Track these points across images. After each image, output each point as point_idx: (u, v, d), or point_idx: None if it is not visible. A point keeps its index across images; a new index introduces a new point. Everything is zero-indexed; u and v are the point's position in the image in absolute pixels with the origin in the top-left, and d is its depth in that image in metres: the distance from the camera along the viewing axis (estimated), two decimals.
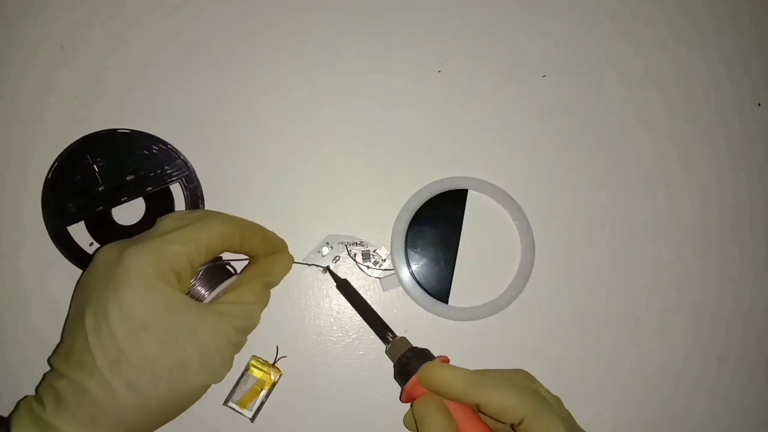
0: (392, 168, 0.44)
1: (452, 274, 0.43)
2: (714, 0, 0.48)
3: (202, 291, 0.36)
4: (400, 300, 0.44)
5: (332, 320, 0.43)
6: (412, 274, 0.43)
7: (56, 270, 0.43)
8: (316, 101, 0.45)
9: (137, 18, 0.45)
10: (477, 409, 0.34)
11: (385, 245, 0.44)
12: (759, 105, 0.47)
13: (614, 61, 0.47)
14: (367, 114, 0.45)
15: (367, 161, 0.44)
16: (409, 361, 0.37)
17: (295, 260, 0.41)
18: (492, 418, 0.34)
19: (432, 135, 0.45)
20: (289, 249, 0.43)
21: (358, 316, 0.43)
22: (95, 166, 0.42)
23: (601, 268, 0.45)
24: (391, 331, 0.40)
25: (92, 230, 0.43)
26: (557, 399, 0.35)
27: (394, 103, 0.45)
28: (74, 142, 0.42)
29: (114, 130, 0.43)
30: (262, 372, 0.40)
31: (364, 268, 0.43)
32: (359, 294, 0.42)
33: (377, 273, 0.43)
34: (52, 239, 0.42)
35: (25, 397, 0.33)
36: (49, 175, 0.42)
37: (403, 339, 0.39)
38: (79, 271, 0.42)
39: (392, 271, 0.43)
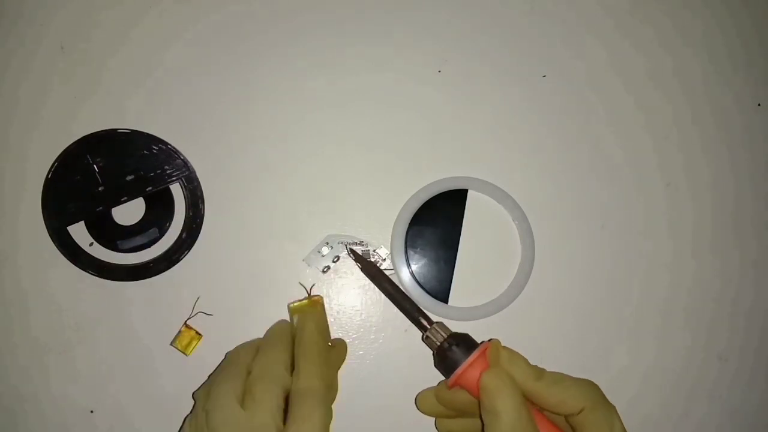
0: (392, 168, 0.44)
1: (452, 274, 0.43)
2: (714, 0, 0.48)
3: None
4: None
5: (332, 320, 0.43)
6: (412, 274, 0.43)
7: (56, 270, 0.43)
8: (316, 101, 0.45)
9: (137, 18, 0.45)
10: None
11: (385, 245, 0.44)
12: (759, 105, 0.47)
13: (614, 61, 0.47)
14: (367, 114, 0.45)
15: (367, 161, 0.44)
16: (451, 347, 0.36)
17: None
18: (546, 410, 0.34)
19: (432, 135, 0.45)
20: (290, 249, 0.43)
21: (358, 316, 0.43)
22: (95, 166, 0.42)
23: (601, 267, 0.45)
24: (427, 317, 0.38)
25: (92, 230, 0.43)
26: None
27: (394, 103, 0.45)
28: (74, 142, 0.42)
29: (114, 130, 0.43)
30: None
31: None
32: (387, 277, 0.40)
33: None
34: (52, 239, 0.42)
35: None
36: (49, 175, 0.42)
37: (442, 324, 0.38)
38: (79, 272, 0.42)
39: (392, 271, 0.43)
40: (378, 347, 0.43)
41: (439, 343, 0.37)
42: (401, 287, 0.41)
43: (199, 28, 0.45)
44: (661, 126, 0.47)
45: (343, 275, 0.43)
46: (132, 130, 0.43)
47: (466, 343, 0.36)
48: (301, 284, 0.43)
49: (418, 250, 0.44)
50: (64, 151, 0.42)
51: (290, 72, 0.45)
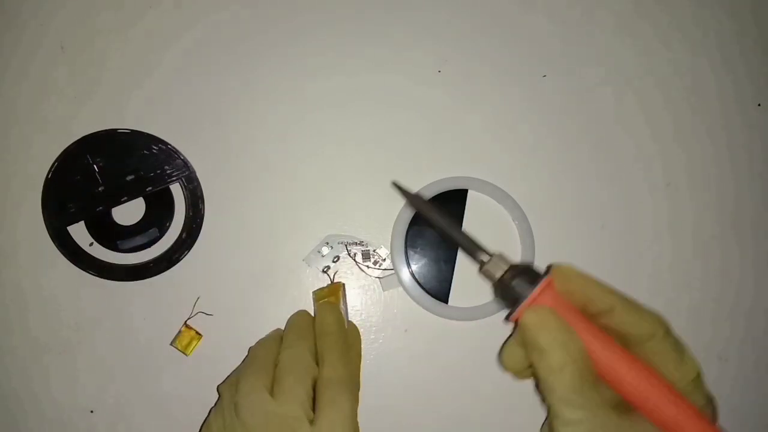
0: (392, 168, 0.44)
1: (452, 274, 0.43)
2: (714, 0, 0.48)
3: None
4: (399, 300, 0.44)
5: None
6: (412, 274, 0.43)
7: (56, 270, 0.43)
8: (316, 101, 0.45)
9: (137, 18, 0.45)
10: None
11: (385, 245, 0.44)
12: (759, 105, 0.47)
13: (615, 61, 0.47)
14: (367, 114, 0.45)
15: (367, 161, 0.44)
16: (514, 278, 0.32)
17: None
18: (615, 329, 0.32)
19: (432, 135, 0.45)
20: (290, 249, 0.43)
21: (358, 316, 0.43)
22: (95, 166, 0.42)
23: (601, 268, 0.45)
24: (485, 250, 0.34)
25: (92, 230, 0.43)
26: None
27: (394, 103, 0.45)
28: (74, 142, 0.42)
29: (114, 130, 0.43)
30: None
31: (364, 268, 0.43)
32: (438, 210, 0.35)
33: (377, 273, 0.43)
34: (52, 239, 0.42)
35: None
36: (49, 176, 0.42)
37: (502, 257, 0.34)
38: (79, 272, 0.42)
39: (392, 271, 0.43)
40: (378, 347, 0.43)
41: (500, 275, 0.33)
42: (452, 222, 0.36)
43: (199, 28, 0.45)
44: (662, 126, 0.47)
45: (343, 275, 0.43)
46: (132, 130, 0.43)
47: (533, 273, 0.32)
48: (325, 272, 0.43)
49: (418, 250, 0.44)
50: (64, 151, 0.42)
51: (290, 72, 0.45)
